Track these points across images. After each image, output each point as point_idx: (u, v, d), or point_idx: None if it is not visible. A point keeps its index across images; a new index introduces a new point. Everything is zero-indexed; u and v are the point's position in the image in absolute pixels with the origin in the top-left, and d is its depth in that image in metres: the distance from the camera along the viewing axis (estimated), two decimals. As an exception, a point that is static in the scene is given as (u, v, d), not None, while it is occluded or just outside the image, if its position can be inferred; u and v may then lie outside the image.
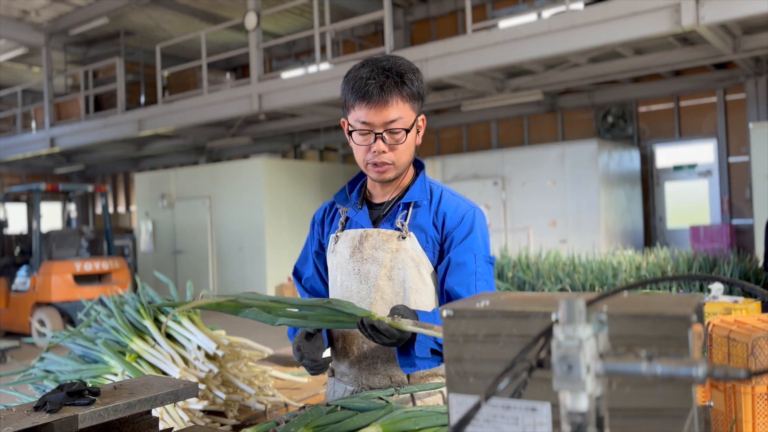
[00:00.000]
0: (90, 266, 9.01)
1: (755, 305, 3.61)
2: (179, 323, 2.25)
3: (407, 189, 1.67)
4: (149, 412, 1.50)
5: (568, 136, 11.95)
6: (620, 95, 11.20)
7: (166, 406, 1.97)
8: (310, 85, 9.49)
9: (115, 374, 2.13)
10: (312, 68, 9.85)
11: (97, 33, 13.27)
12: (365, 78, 1.52)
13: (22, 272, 9.27)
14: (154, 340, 2.23)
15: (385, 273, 1.59)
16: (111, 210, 18.88)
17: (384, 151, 1.55)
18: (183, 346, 2.21)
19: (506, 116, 12.34)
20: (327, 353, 1.66)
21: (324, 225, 1.77)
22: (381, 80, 1.51)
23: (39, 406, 1.32)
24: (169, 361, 2.12)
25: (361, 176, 1.73)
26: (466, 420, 0.65)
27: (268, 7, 11.28)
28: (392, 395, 1.50)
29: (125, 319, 2.31)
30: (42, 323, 8.49)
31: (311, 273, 1.80)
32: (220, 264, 11.92)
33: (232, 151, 15.47)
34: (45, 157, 16.19)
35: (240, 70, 15.11)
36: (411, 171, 1.70)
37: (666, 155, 11.51)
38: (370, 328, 1.41)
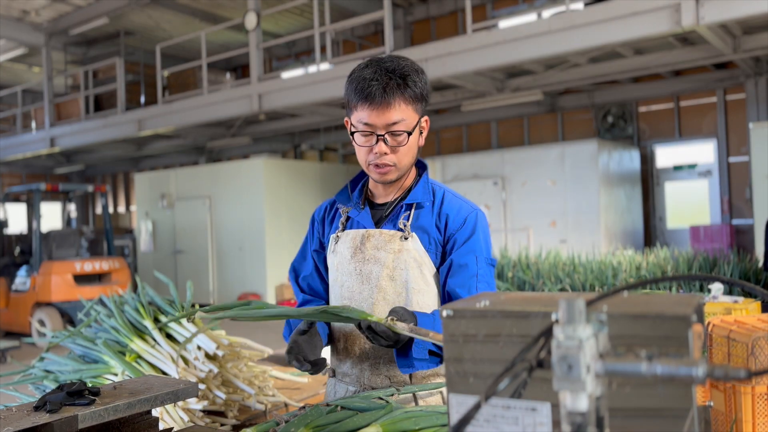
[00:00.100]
0: (90, 266, 9.01)
1: (755, 305, 3.61)
2: (179, 323, 2.25)
3: (410, 190, 1.67)
4: (149, 412, 1.50)
5: (568, 136, 11.96)
6: (620, 95, 11.20)
7: (166, 406, 1.97)
8: (310, 85, 9.49)
9: (115, 374, 2.13)
10: (312, 68, 9.85)
11: (97, 33, 13.28)
12: (368, 79, 1.52)
13: (22, 272, 9.27)
14: (154, 340, 2.23)
15: (387, 273, 1.59)
16: (111, 210, 18.88)
17: (386, 153, 1.54)
18: (183, 347, 2.21)
19: (506, 116, 12.34)
20: (327, 352, 1.66)
21: (324, 224, 1.76)
22: (384, 82, 1.50)
23: (39, 406, 1.32)
24: (169, 361, 2.12)
25: (363, 175, 1.73)
26: (466, 420, 0.65)
27: (268, 7, 11.28)
28: (392, 395, 1.50)
29: (125, 319, 2.31)
30: (42, 323, 8.49)
31: (310, 271, 1.78)
32: (220, 264, 11.92)
33: (232, 151, 15.48)
34: (45, 157, 16.20)
35: (240, 70, 15.12)
36: (413, 172, 1.70)
37: (666, 155, 11.51)
38: (368, 329, 1.42)
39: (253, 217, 11.37)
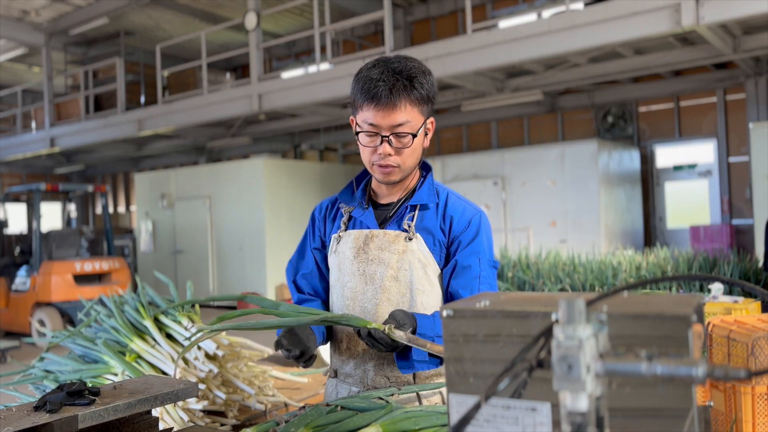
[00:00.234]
0: (90, 266, 9.01)
1: (755, 305, 3.61)
2: (179, 323, 2.25)
3: (414, 190, 1.67)
4: (149, 412, 1.50)
5: (568, 136, 11.96)
6: (620, 95, 11.20)
7: (166, 406, 1.97)
8: (310, 85, 9.49)
9: (115, 374, 2.13)
10: (312, 68, 9.85)
11: (97, 33, 13.28)
12: (375, 79, 1.51)
13: (22, 272, 9.27)
14: (154, 340, 2.23)
15: (391, 274, 1.58)
16: (111, 210, 18.88)
17: (390, 154, 1.54)
18: (183, 346, 2.21)
19: (506, 116, 12.34)
20: (326, 351, 1.66)
21: (326, 222, 1.75)
22: (390, 83, 1.50)
23: (39, 406, 1.32)
24: (169, 361, 2.12)
25: (367, 174, 1.72)
26: (466, 420, 0.65)
27: (268, 7, 11.29)
28: (392, 395, 1.50)
29: (125, 319, 2.31)
30: (42, 323, 8.49)
31: (310, 269, 1.76)
32: (220, 264, 11.92)
33: (232, 151, 15.48)
34: (45, 157, 16.20)
35: (240, 70, 15.12)
36: (417, 173, 1.69)
37: (666, 155, 11.51)
38: (367, 336, 1.44)
39: (253, 217, 11.37)
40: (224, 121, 11.78)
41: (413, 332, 1.47)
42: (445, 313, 0.81)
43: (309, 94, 9.52)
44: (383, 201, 1.69)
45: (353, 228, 1.67)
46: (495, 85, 9.74)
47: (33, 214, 9.43)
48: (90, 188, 9.88)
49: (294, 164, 12.48)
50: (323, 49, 10.13)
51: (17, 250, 9.62)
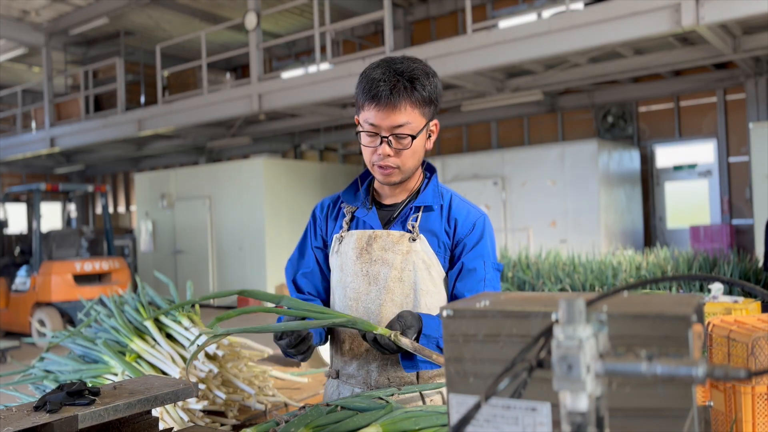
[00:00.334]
0: (90, 266, 9.01)
1: (755, 305, 3.62)
2: (179, 323, 2.25)
3: (418, 192, 1.66)
4: (149, 412, 1.50)
5: (568, 136, 11.96)
6: (620, 95, 11.20)
7: (166, 406, 1.97)
8: (310, 85, 9.49)
9: (115, 374, 2.13)
10: (312, 68, 9.85)
11: (97, 33, 13.28)
12: (377, 80, 1.51)
13: (22, 272, 9.27)
14: (154, 340, 2.23)
15: (395, 275, 1.58)
16: (111, 210, 18.88)
17: (389, 155, 1.54)
18: (183, 346, 2.21)
19: (506, 116, 12.35)
20: (325, 351, 1.66)
21: (327, 220, 1.74)
22: (391, 84, 1.50)
23: (39, 406, 1.32)
24: (169, 361, 2.12)
25: (370, 173, 1.71)
26: (466, 420, 0.65)
27: (268, 7, 11.29)
28: (392, 395, 1.50)
29: (125, 319, 2.31)
30: (42, 323, 8.49)
31: (311, 268, 1.75)
32: (220, 264, 11.92)
33: (232, 151, 15.48)
34: (45, 157, 16.20)
35: (240, 70, 15.12)
36: (420, 174, 1.69)
37: (666, 155, 11.51)
38: (373, 341, 1.45)
39: (253, 217, 11.37)
40: (224, 121, 11.78)
41: (419, 333, 1.47)
42: (445, 313, 0.81)
43: (309, 94, 9.52)
44: (386, 202, 1.69)
45: (356, 228, 1.67)
46: (495, 85, 9.74)
47: (33, 214, 9.43)
48: (90, 188, 9.88)
49: (294, 164, 12.48)
50: (323, 49, 10.13)
51: (17, 250, 9.62)
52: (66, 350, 2.41)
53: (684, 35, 7.63)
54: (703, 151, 11.15)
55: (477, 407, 0.64)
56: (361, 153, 1.66)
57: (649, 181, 11.49)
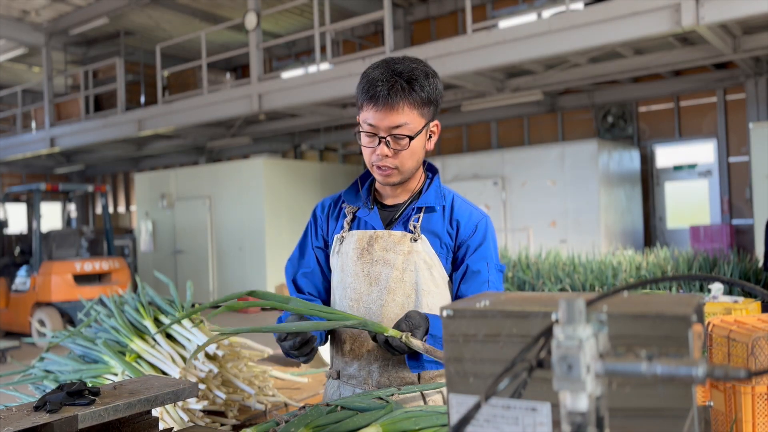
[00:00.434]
0: (90, 266, 9.01)
1: (755, 305, 3.62)
2: (179, 323, 2.25)
3: (419, 192, 1.66)
4: (149, 412, 1.50)
5: (568, 136, 11.96)
6: (620, 95, 11.20)
7: (166, 406, 1.97)
8: (310, 85, 9.49)
9: (115, 374, 2.13)
10: (312, 68, 9.85)
11: (97, 33, 13.28)
12: (375, 80, 1.51)
13: (22, 272, 9.27)
14: (154, 340, 2.23)
15: (397, 275, 1.58)
16: (111, 210, 18.88)
17: (387, 156, 1.54)
18: (183, 346, 2.21)
19: (506, 116, 12.35)
20: (325, 351, 1.65)
21: (329, 220, 1.74)
22: (389, 84, 1.50)
23: (39, 406, 1.32)
24: (169, 361, 2.12)
25: (371, 174, 1.71)
26: (466, 420, 0.65)
27: (268, 7, 11.29)
28: (392, 395, 1.50)
29: (125, 319, 2.31)
30: (42, 323, 8.49)
31: (312, 268, 1.74)
32: (220, 264, 11.92)
33: (232, 151, 15.48)
34: (45, 157, 16.20)
35: (240, 70, 15.12)
36: (422, 175, 1.69)
37: (666, 155, 11.51)
38: (384, 343, 1.45)
39: (253, 217, 11.37)
40: (224, 121, 11.79)
41: (426, 332, 1.47)
42: (445, 313, 0.81)
43: (309, 94, 9.52)
44: (388, 202, 1.68)
45: (357, 228, 1.67)
46: (495, 85, 9.74)
47: (33, 214, 9.43)
48: (90, 188, 9.88)
49: (294, 164, 12.48)
50: (323, 49, 10.13)
51: (17, 250, 9.62)
52: (66, 350, 2.41)
53: (684, 35, 7.63)
54: (703, 151, 11.15)
55: (477, 407, 0.64)
56: (361, 153, 1.65)
57: (649, 181, 11.49)
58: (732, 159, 10.67)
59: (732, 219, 10.63)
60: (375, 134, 1.54)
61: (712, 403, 1.46)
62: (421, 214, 1.62)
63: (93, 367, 2.18)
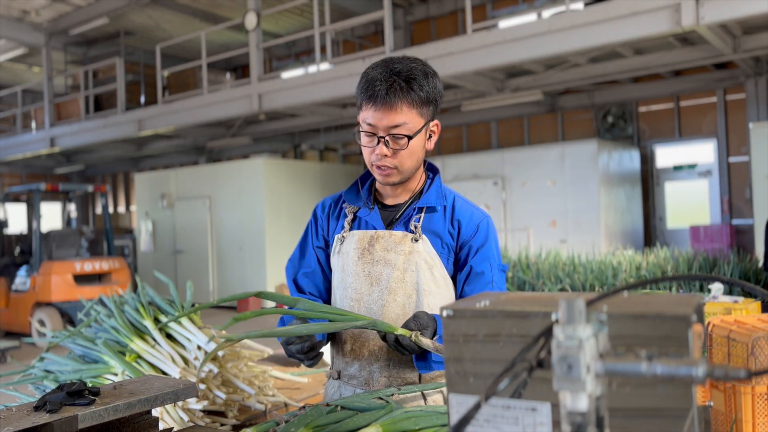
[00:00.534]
0: (90, 266, 9.01)
1: (755, 305, 3.62)
2: (179, 323, 2.25)
3: (420, 192, 1.66)
4: (149, 412, 1.50)
5: (568, 136, 11.96)
6: (620, 95, 11.20)
7: (166, 406, 1.97)
8: (310, 85, 9.49)
9: (115, 374, 2.13)
10: (312, 68, 9.85)
11: (97, 33, 13.28)
12: (374, 79, 1.51)
13: (22, 272, 9.27)
14: (154, 340, 2.23)
15: (398, 275, 1.58)
16: (111, 210, 18.88)
17: (386, 155, 1.54)
18: (183, 346, 2.21)
19: (506, 116, 12.35)
20: (326, 351, 1.65)
21: (329, 220, 1.74)
22: (388, 84, 1.50)
23: (39, 406, 1.32)
24: (169, 361, 2.12)
25: (371, 174, 1.71)
26: (466, 420, 0.65)
27: (268, 7, 11.29)
28: (392, 395, 1.50)
29: (125, 319, 2.31)
30: (42, 323, 8.49)
31: (313, 268, 1.74)
32: (220, 264, 11.92)
33: (232, 151, 15.48)
34: (45, 157, 16.20)
35: (240, 70, 15.12)
36: (423, 174, 1.69)
37: (666, 155, 11.51)
38: (394, 342, 1.44)
39: (253, 217, 11.37)
40: (224, 121, 11.78)
41: (434, 332, 1.47)
42: (445, 313, 0.81)
43: (309, 94, 9.52)
44: (388, 202, 1.68)
45: (358, 228, 1.66)
46: (495, 85, 9.74)
47: (33, 214, 9.44)
48: (90, 188, 9.88)
49: (294, 164, 12.48)
50: (323, 49, 10.13)
51: (17, 250, 9.62)
52: (66, 350, 2.41)
53: (684, 35, 7.63)
54: (703, 151, 11.15)
55: (477, 407, 0.64)
56: (361, 153, 1.66)
57: (649, 181, 11.49)
58: (732, 159, 10.67)
59: (732, 219, 10.63)
60: (374, 134, 1.53)
61: (712, 403, 1.45)
62: (422, 214, 1.62)
63: (93, 367, 2.18)
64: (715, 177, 10.91)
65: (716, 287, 3.65)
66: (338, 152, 15.08)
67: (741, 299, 3.66)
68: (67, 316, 8.54)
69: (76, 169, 18.05)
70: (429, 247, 1.59)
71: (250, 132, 13.21)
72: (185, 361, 2.16)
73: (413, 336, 1.42)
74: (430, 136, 1.62)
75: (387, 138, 1.53)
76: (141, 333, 2.27)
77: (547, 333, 0.67)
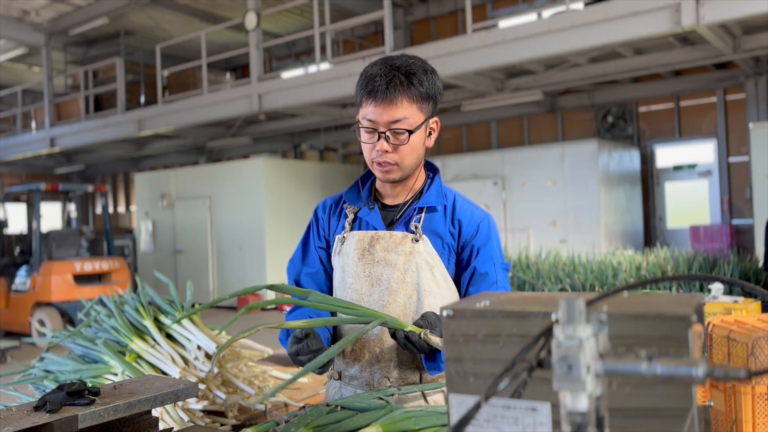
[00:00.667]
0: (90, 266, 9.01)
1: (755, 305, 3.62)
2: (179, 323, 2.25)
3: (420, 192, 1.66)
4: (149, 412, 1.50)
5: (568, 136, 11.96)
6: (620, 95, 11.20)
7: (166, 406, 1.97)
8: (310, 85, 9.49)
9: (115, 374, 2.13)
10: (312, 68, 9.85)
11: (97, 33, 13.28)
12: (374, 75, 1.52)
13: (22, 272, 9.27)
14: (154, 340, 2.23)
15: (398, 276, 1.58)
16: (111, 210, 18.88)
17: (387, 151, 1.53)
18: (183, 346, 2.21)
19: (506, 116, 12.35)
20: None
21: (330, 220, 1.73)
22: (388, 79, 1.50)
23: (39, 406, 1.32)
24: (169, 361, 2.12)
25: (372, 174, 1.70)
26: (466, 420, 0.65)
27: (268, 7, 11.29)
28: (392, 395, 1.50)
29: (125, 319, 2.31)
30: (42, 323, 8.49)
31: (316, 269, 1.73)
32: (220, 264, 11.92)
33: (232, 151, 15.48)
34: (45, 157, 16.20)
35: (240, 70, 15.12)
36: (423, 174, 1.69)
37: (666, 155, 11.51)
38: (404, 339, 1.44)
39: (253, 217, 11.37)
40: (224, 121, 11.78)
41: (442, 333, 1.46)
42: (445, 313, 0.81)
43: (309, 94, 9.52)
44: (389, 202, 1.68)
45: (358, 228, 1.66)
46: (495, 85, 9.74)
47: (33, 214, 9.43)
48: (90, 188, 9.88)
49: (294, 164, 12.48)
50: (323, 49, 10.13)
51: (17, 250, 9.62)
52: (66, 350, 2.41)
53: (684, 35, 7.63)
54: (703, 151, 11.15)
55: (477, 407, 0.64)
56: (361, 153, 1.66)
57: (649, 181, 11.49)
58: (732, 159, 10.67)
59: (732, 219, 10.63)
60: (374, 129, 1.53)
61: (712, 403, 1.45)
62: (423, 214, 1.61)
63: (93, 367, 2.18)
64: (715, 177, 10.91)
65: (716, 287, 3.66)
66: (338, 152, 15.08)
67: (741, 299, 3.66)
68: (67, 316, 8.54)
69: (76, 169, 18.05)
70: (429, 248, 1.58)
71: (250, 132, 13.21)
72: (185, 361, 2.16)
73: (423, 334, 1.42)
74: (430, 134, 1.62)
75: (388, 133, 1.52)
76: (141, 333, 2.27)
77: (547, 333, 0.67)
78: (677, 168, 11.36)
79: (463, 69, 8.12)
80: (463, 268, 1.61)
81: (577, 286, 6.60)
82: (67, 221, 11.35)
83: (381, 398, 1.46)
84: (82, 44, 14.06)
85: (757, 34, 7.96)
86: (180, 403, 1.98)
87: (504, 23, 8.94)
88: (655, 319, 0.68)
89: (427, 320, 1.46)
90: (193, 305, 2.51)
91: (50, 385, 2.18)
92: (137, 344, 2.19)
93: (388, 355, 1.59)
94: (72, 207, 11.11)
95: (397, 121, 1.51)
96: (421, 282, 1.57)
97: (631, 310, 0.70)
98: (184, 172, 12.88)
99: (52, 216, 14.65)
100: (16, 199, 11.53)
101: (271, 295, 1.59)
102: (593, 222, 9.68)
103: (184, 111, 11.20)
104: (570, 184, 9.88)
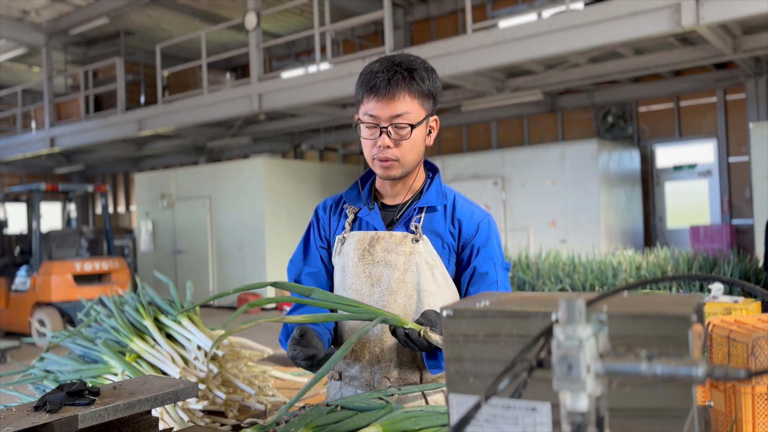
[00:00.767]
0: (90, 266, 9.01)
1: (755, 305, 3.62)
2: (179, 323, 2.25)
3: (420, 192, 1.66)
4: (149, 412, 1.50)
5: (568, 136, 11.96)
6: (620, 95, 11.20)
7: (166, 406, 1.97)
8: (310, 85, 9.49)
9: (115, 374, 2.13)
10: (312, 68, 9.85)
11: (97, 33, 13.28)
12: (375, 71, 1.52)
13: (22, 272, 9.27)
14: (154, 340, 2.23)
15: (398, 276, 1.58)
16: (111, 210, 18.88)
17: (389, 146, 1.53)
18: (183, 346, 2.21)
19: (506, 116, 12.34)
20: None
21: (331, 220, 1.73)
22: (389, 74, 1.51)
23: (39, 406, 1.32)
24: (169, 361, 2.12)
25: (372, 174, 1.71)
26: (466, 420, 0.65)
27: (268, 7, 11.29)
28: (392, 395, 1.49)
29: (125, 319, 2.31)
30: (42, 323, 8.49)
31: (317, 269, 1.73)
32: (220, 264, 11.92)
33: (232, 151, 15.48)
34: (45, 157, 16.20)
35: (240, 70, 15.12)
36: (423, 174, 1.68)
37: (666, 155, 11.51)
38: (404, 336, 1.44)
39: (253, 217, 11.37)
40: (224, 121, 11.78)
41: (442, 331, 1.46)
42: (445, 313, 0.81)
43: (309, 94, 9.52)
44: (389, 202, 1.68)
45: (358, 229, 1.66)
46: (495, 85, 9.74)
47: (33, 214, 9.43)
48: (90, 188, 9.88)
49: (294, 164, 12.48)
50: (323, 49, 10.13)
51: (17, 250, 9.62)
52: (66, 350, 2.41)
53: (684, 35, 7.63)
54: (703, 151, 11.15)
55: (477, 407, 0.64)
56: (361, 153, 1.66)
57: (649, 181, 11.49)
58: (732, 159, 10.67)
59: (732, 219, 10.63)
60: (376, 125, 1.54)
61: (712, 403, 1.45)
62: (423, 214, 1.61)
63: (93, 367, 2.18)
64: (715, 177, 10.91)
65: (716, 287, 3.66)
66: (338, 152, 15.07)
67: (741, 299, 3.67)
68: (67, 316, 8.54)
69: (76, 169, 18.05)
70: (430, 248, 1.58)
71: (250, 132, 13.21)
72: (185, 361, 2.16)
73: (423, 331, 1.42)
74: (430, 132, 1.62)
75: (390, 128, 1.53)
76: (141, 333, 2.27)
77: (547, 333, 0.67)
78: (677, 168, 11.36)
79: (463, 69, 8.12)
80: (463, 268, 1.61)
81: (577, 286, 6.61)
82: (67, 221, 11.35)
83: (381, 398, 1.46)
84: (82, 44, 14.06)
85: (757, 34, 7.96)
86: (180, 403, 1.98)
87: (504, 23, 8.94)
88: (655, 319, 0.68)
89: (427, 318, 1.46)
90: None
91: (50, 385, 2.18)
92: (137, 344, 2.19)
93: (389, 355, 1.59)
94: (72, 207, 11.11)
95: (399, 116, 1.52)
96: (421, 282, 1.57)
97: (631, 310, 0.70)
98: (184, 172, 12.88)
99: (52, 216, 14.65)
100: (16, 199, 11.53)
101: (271, 294, 1.59)
102: (593, 222, 9.68)
103: (184, 111, 11.20)
104: (570, 184, 9.88)
